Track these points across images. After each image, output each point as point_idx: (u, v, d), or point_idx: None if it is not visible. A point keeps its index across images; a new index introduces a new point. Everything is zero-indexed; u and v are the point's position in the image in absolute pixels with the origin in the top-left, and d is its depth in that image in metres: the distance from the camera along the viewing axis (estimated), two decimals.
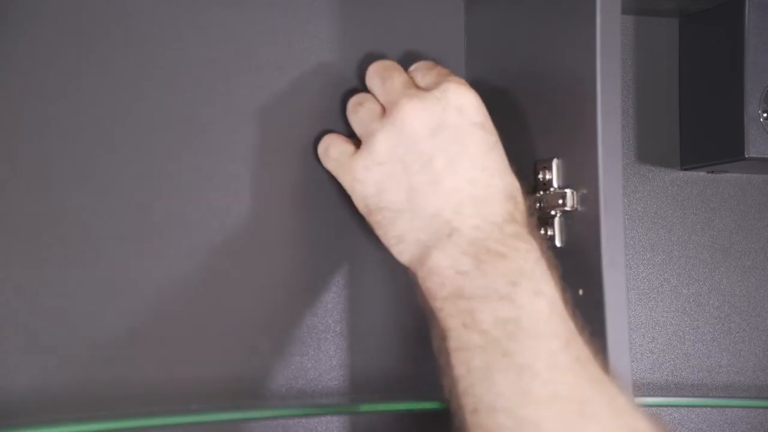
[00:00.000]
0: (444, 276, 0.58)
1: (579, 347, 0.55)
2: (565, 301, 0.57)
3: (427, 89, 0.63)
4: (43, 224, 0.64)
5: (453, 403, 0.57)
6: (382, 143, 0.62)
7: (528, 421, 0.53)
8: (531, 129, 0.66)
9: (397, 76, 0.65)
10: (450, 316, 0.57)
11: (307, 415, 0.69)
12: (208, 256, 0.67)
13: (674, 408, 0.81)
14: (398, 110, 0.61)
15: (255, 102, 0.69)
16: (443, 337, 0.58)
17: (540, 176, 0.64)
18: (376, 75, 0.66)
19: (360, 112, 0.65)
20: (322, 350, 0.70)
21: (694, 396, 0.81)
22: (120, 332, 0.65)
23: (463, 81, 0.63)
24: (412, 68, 0.67)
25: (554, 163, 0.64)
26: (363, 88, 0.68)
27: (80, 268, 0.64)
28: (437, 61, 0.68)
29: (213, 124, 0.68)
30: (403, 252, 0.62)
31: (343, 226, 0.71)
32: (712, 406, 0.82)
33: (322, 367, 0.70)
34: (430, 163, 0.60)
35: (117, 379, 0.65)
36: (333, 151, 0.66)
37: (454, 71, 0.66)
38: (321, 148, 0.67)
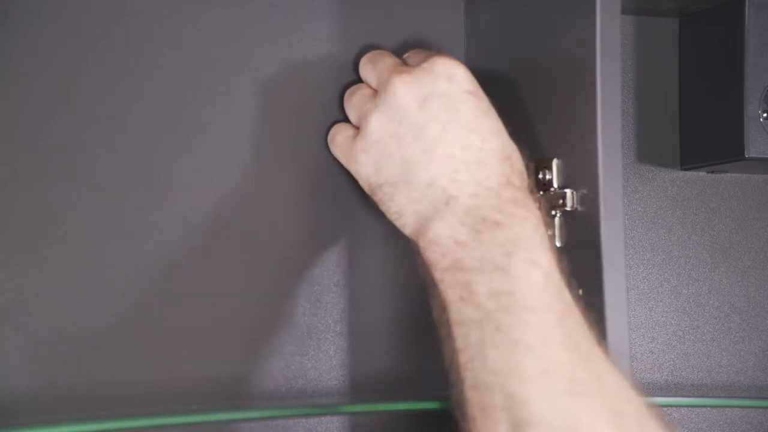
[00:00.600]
0: (444, 246, 0.58)
1: (573, 321, 0.55)
2: (562, 271, 0.57)
3: (417, 66, 0.63)
4: (43, 224, 0.64)
5: (453, 375, 0.57)
6: (375, 122, 0.62)
7: (519, 399, 0.53)
8: (531, 129, 0.66)
9: (388, 59, 0.66)
10: (449, 288, 0.57)
11: (307, 415, 0.69)
12: (208, 256, 0.67)
13: (674, 408, 0.81)
14: (389, 87, 0.62)
15: (255, 102, 0.69)
16: (443, 310, 0.58)
17: (540, 176, 0.64)
18: (368, 62, 0.67)
19: (353, 99, 0.66)
20: (322, 350, 0.70)
21: (694, 396, 0.81)
22: (120, 332, 0.65)
23: (451, 56, 0.63)
24: (403, 57, 0.68)
25: (554, 163, 0.64)
26: None
27: (80, 268, 0.64)
28: None
29: (213, 124, 0.68)
30: (405, 225, 0.62)
31: (342, 226, 0.71)
32: (712, 406, 0.82)
33: (322, 367, 0.70)
34: (422, 133, 0.61)
35: (117, 379, 0.65)
36: (338, 137, 0.67)
37: None
38: (329, 137, 0.68)
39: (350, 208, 0.70)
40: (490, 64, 0.69)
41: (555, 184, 0.63)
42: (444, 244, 0.58)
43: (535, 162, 0.64)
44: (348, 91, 0.67)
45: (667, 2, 0.78)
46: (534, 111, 0.67)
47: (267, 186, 0.69)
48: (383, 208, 0.63)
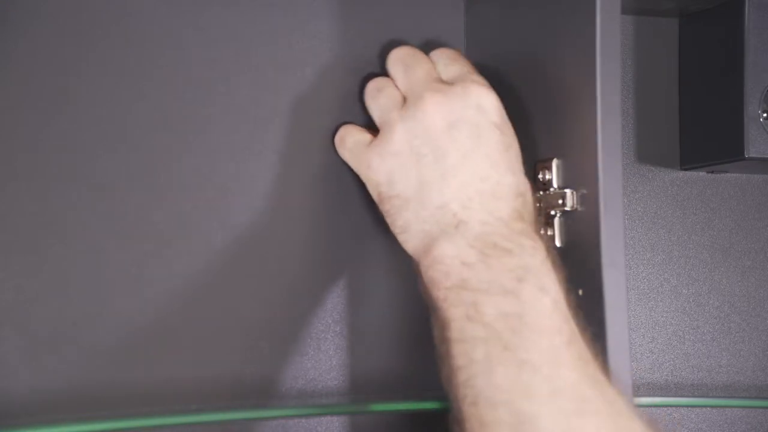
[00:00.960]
0: (449, 266, 0.58)
1: (580, 346, 0.56)
2: (569, 302, 0.57)
3: (449, 83, 0.63)
4: (43, 224, 0.64)
5: (451, 394, 0.57)
6: (399, 134, 0.62)
7: (526, 416, 0.53)
8: (531, 129, 0.66)
9: (421, 66, 0.65)
10: (453, 306, 0.57)
11: (307, 415, 0.69)
12: (208, 257, 0.67)
13: (674, 408, 0.81)
14: (420, 103, 0.62)
15: (255, 102, 0.69)
16: (444, 327, 0.58)
17: (540, 176, 0.64)
18: (399, 61, 0.66)
19: (380, 98, 0.65)
20: (322, 350, 0.70)
21: (694, 396, 0.81)
22: (120, 332, 0.65)
23: (484, 81, 0.64)
24: (434, 54, 0.66)
25: (554, 163, 0.64)
26: (362, 87, 0.68)
27: (80, 268, 0.64)
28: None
29: (213, 124, 0.68)
30: (408, 241, 0.62)
31: (343, 226, 0.71)
32: (712, 406, 0.82)
33: (322, 367, 0.70)
34: (443, 157, 0.61)
35: (117, 379, 0.65)
36: (348, 140, 0.67)
37: None
38: (337, 138, 0.68)
39: (351, 208, 0.70)
40: (490, 64, 0.69)
41: (555, 184, 0.63)
42: (449, 263, 0.58)
43: (535, 162, 0.64)
44: (373, 85, 0.66)
45: (667, 2, 0.78)
46: (534, 111, 0.67)
47: (267, 186, 0.69)
48: (388, 219, 0.63)
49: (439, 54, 0.66)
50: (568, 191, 0.62)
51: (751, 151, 0.75)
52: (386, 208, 0.63)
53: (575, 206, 0.62)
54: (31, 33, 0.64)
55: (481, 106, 0.62)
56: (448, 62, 0.66)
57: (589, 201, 0.60)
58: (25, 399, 0.63)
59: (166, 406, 0.65)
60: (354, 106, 0.70)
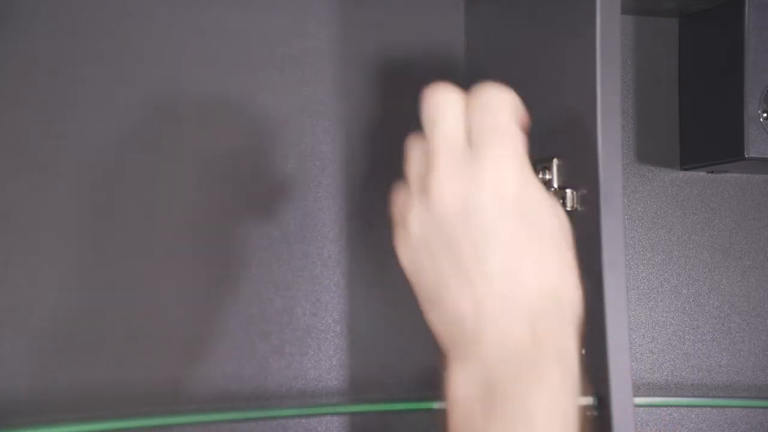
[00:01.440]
0: (456, 400, 0.53)
1: None
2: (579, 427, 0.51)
3: (470, 152, 0.54)
4: (43, 224, 0.64)
5: None
6: (415, 225, 0.55)
7: None
8: (531, 129, 0.66)
9: (445, 124, 0.54)
10: None
11: (307, 415, 0.69)
12: (209, 256, 0.67)
13: (674, 408, 0.81)
14: (431, 189, 0.53)
15: (254, 102, 0.69)
16: None
17: (540, 176, 0.64)
18: (428, 115, 0.55)
19: (410, 167, 0.56)
20: (322, 350, 0.70)
21: (694, 396, 0.81)
22: (120, 332, 0.65)
23: (508, 142, 0.54)
24: (474, 94, 0.55)
25: (554, 163, 0.64)
26: (362, 88, 0.68)
27: (80, 268, 0.64)
28: (437, 61, 0.68)
29: (213, 124, 0.68)
30: (439, 338, 0.55)
31: (343, 226, 0.71)
32: (712, 406, 0.82)
33: (322, 367, 0.70)
34: (456, 252, 0.53)
35: (117, 379, 0.65)
36: (398, 199, 0.57)
37: (454, 72, 0.66)
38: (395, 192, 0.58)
39: (351, 207, 0.70)
40: (490, 64, 0.69)
41: (555, 184, 0.63)
42: (458, 398, 0.52)
43: (535, 162, 0.64)
44: (410, 153, 0.56)
45: (667, 2, 0.78)
46: (534, 111, 0.67)
47: (267, 185, 0.69)
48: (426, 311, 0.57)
49: (478, 96, 0.55)
50: (568, 191, 0.62)
51: (751, 151, 0.75)
52: (421, 298, 0.57)
53: (575, 206, 0.62)
54: (31, 33, 0.64)
55: (497, 190, 0.53)
56: (484, 114, 0.55)
57: (589, 201, 0.60)
58: (25, 399, 0.63)
59: (166, 406, 0.65)
60: (354, 106, 0.70)
